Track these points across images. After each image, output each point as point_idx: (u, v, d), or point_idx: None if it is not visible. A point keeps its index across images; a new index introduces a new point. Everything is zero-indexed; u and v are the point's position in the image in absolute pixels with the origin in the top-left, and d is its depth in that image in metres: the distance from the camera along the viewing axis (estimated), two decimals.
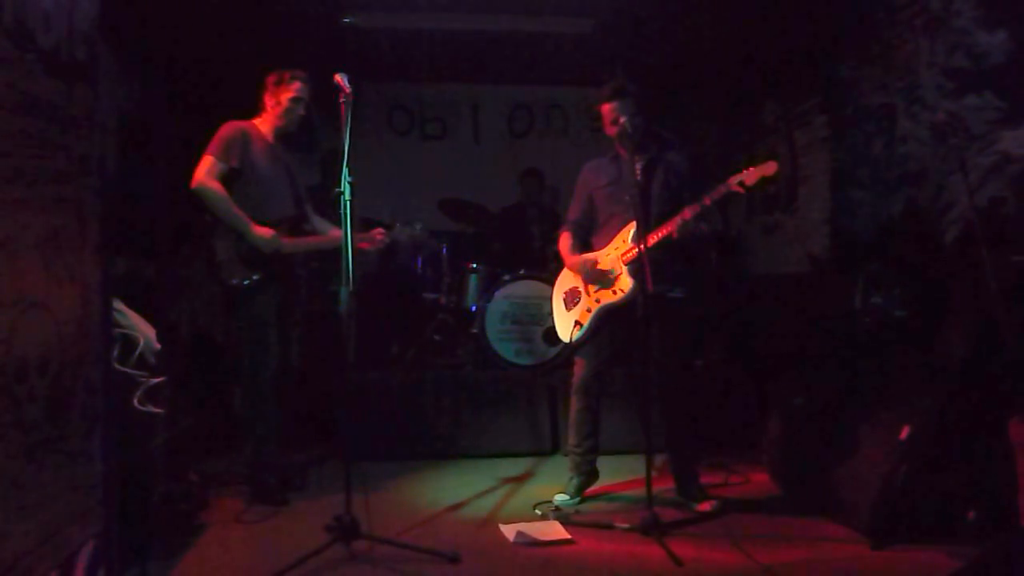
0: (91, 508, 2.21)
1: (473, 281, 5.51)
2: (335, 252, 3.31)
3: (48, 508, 1.99)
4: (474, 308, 5.37)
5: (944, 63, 4.07)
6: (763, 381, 4.81)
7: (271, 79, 3.82)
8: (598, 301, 3.73)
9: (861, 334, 3.84)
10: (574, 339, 3.81)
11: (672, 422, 3.71)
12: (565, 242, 3.90)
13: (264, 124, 3.86)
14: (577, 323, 3.81)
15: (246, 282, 3.69)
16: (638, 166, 3.64)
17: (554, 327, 4.01)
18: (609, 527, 3.37)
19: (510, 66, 6.38)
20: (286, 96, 3.80)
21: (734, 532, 3.27)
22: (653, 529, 3.19)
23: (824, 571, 2.96)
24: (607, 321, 3.74)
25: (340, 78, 3.25)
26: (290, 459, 4.09)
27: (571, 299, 3.90)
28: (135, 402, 3.02)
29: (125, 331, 3.07)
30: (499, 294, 5.18)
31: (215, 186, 3.62)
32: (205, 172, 3.62)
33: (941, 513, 3.15)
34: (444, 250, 5.71)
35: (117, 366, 2.92)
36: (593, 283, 3.75)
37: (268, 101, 3.83)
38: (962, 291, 3.32)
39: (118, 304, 3.06)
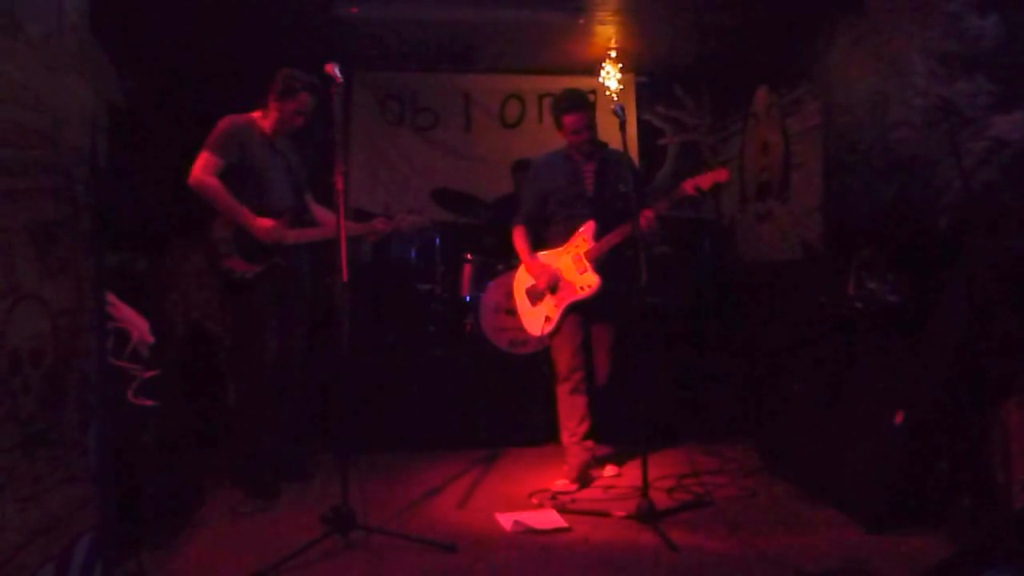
0: (87, 501, 2.21)
1: (467, 272, 5.50)
2: (332, 242, 3.27)
3: (44, 501, 1.99)
4: (468, 299, 5.36)
5: (936, 48, 4.06)
6: (758, 368, 4.82)
7: (278, 86, 3.76)
8: (564, 299, 3.87)
9: (855, 320, 3.84)
10: (546, 333, 3.95)
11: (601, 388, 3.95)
12: (521, 241, 4.05)
13: (265, 120, 3.83)
14: (548, 318, 3.93)
15: (248, 275, 3.68)
16: (592, 168, 3.91)
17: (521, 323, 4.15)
18: (605, 515, 3.39)
19: (501, 55, 6.35)
20: (290, 107, 3.77)
21: (730, 519, 3.29)
22: (649, 516, 3.22)
23: (820, 557, 2.96)
24: (575, 311, 3.88)
25: (331, 68, 3.21)
26: (289, 449, 4.02)
27: (534, 295, 4.03)
28: (130, 395, 3.01)
29: (118, 324, 3.05)
30: (493, 285, 5.18)
31: (212, 182, 3.62)
32: (202, 168, 3.62)
33: (936, 498, 3.16)
34: (437, 240, 5.69)
35: (111, 359, 2.91)
36: (555, 291, 3.89)
37: (272, 103, 3.79)
38: (956, 276, 3.32)
39: (111, 297, 3.05)
